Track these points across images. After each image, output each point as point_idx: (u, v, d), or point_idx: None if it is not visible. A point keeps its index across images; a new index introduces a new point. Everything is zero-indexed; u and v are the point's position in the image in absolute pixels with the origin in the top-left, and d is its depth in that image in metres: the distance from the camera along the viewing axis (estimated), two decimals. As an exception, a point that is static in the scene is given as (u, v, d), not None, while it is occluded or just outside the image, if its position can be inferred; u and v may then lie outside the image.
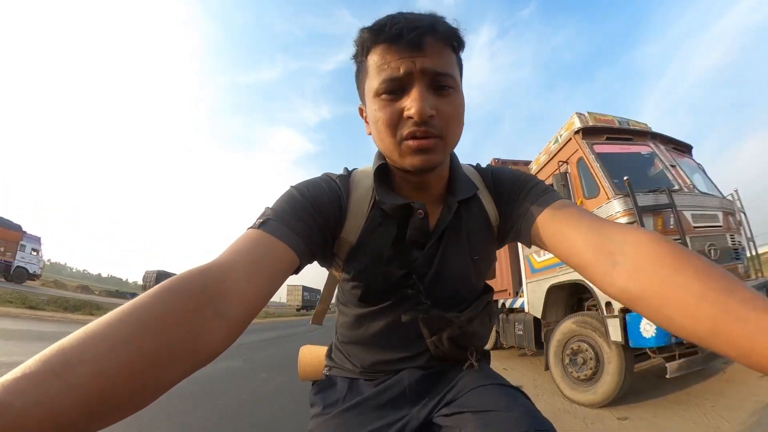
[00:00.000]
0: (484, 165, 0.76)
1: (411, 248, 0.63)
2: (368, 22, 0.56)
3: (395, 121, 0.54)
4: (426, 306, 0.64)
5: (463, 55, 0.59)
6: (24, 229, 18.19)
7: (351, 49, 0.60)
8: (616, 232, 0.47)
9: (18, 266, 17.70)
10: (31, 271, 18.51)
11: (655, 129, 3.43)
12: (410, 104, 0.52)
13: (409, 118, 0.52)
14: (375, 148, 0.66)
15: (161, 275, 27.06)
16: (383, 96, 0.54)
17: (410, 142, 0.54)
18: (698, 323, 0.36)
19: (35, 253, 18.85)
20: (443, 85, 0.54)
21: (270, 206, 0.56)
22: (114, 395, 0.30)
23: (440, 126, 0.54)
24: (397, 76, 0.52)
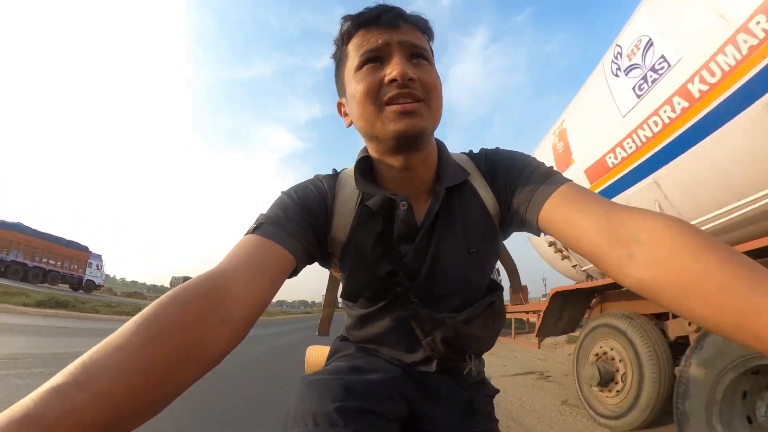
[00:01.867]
0: None
1: (399, 244, 0.62)
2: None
3: (376, 89, 0.55)
4: (414, 305, 0.60)
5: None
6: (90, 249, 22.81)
7: None
8: (631, 219, 0.45)
9: (87, 279, 22.42)
10: (96, 283, 23.33)
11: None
12: (391, 68, 0.54)
13: (392, 81, 0.53)
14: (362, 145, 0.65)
15: (187, 281, 32.20)
16: (364, 68, 0.56)
17: (394, 107, 0.54)
18: (723, 316, 0.35)
19: (98, 269, 23.57)
20: (420, 55, 0.57)
21: (263, 212, 0.58)
22: (133, 401, 0.33)
23: (422, 90, 0.55)
24: (376, 46, 0.55)
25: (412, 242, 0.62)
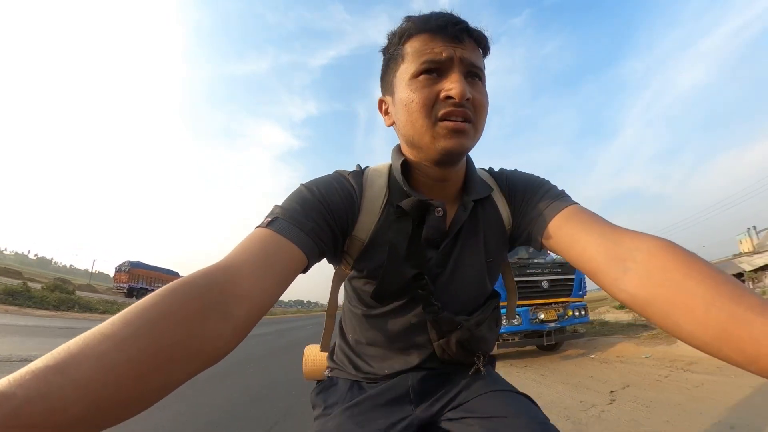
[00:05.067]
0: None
1: (426, 247, 0.62)
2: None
3: (431, 102, 0.55)
4: (436, 308, 0.63)
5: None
6: (177, 272, 32.18)
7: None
8: (628, 239, 0.48)
9: (177, 296, 32.17)
10: (185, 297, 32.90)
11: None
12: (450, 85, 0.54)
13: (448, 98, 0.54)
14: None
15: (190, 273, 45.64)
16: (421, 77, 0.56)
17: (447, 123, 0.54)
18: (705, 329, 0.36)
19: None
20: (476, 75, 0.58)
21: (279, 204, 0.56)
22: (118, 392, 0.30)
23: (473, 111, 0.56)
24: (439, 59, 0.55)
25: (437, 247, 0.63)
